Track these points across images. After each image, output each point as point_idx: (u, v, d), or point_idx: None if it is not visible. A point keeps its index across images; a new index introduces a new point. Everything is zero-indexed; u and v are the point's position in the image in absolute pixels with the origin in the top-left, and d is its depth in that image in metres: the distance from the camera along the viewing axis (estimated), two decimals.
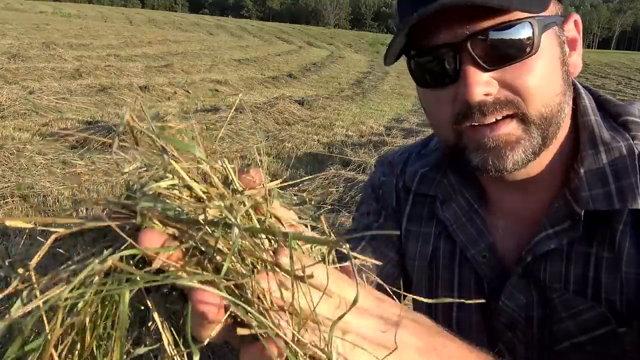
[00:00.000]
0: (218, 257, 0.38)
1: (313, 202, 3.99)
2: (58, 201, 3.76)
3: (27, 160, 4.32)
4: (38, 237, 0.46)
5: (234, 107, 0.57)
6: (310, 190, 4.21)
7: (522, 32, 0.67)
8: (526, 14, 0.67)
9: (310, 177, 4.51)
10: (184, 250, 0.38)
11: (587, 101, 0.79)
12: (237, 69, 15.64)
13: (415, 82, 0.76)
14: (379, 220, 0.97)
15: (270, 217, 0.43)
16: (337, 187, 4.26)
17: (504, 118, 0.70)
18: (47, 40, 15.54)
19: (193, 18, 58.37)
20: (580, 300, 0.77)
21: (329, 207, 3.86)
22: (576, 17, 0.77)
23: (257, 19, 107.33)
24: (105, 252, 0.37)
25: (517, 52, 0.68)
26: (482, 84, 0.68)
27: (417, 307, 0.96)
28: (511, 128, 0.70)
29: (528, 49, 0.68)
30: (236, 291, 0.38)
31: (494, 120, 0.70)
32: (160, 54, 16.96)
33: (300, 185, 4.35)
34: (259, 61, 18.74)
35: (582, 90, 0.81)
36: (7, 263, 0.38)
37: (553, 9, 0.72)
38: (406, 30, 0.68)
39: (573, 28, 0.77)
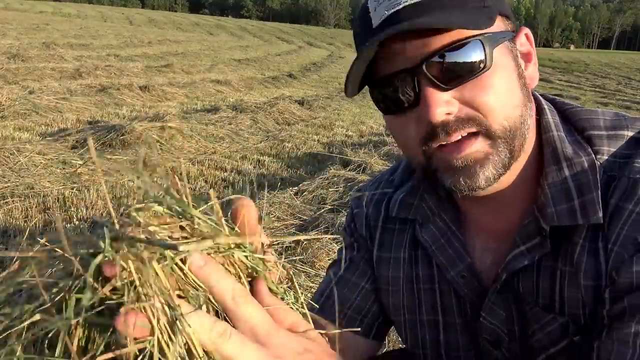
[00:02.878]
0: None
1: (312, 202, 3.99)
2: (58, 201, 3.76)
3: (27, 160, 4.32)
4: (38, 238, 0.47)
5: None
6: (310, 190, 4.21)
7: (474, 49, 0.69)
8: (475, 31, 0.69)
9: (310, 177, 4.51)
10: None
11: (550, 116, 0.80)
12: (237, 69, 15.64)
13: (380, 110, 0.78)
14: (353, 252, 1.00)
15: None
16: (337, 187, 4.26)
17: (469, 136, 0.72)
18: (47, 40, 15.53)
19: (193, 18, 58.37)
20: (543, 313, 0.79)
21: (329, 207, 3.85)
22: (526, 30, 0.79)
23: (257, 19, 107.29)
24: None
25: (472, 69, 0.70)
26: (443, 104, 0.70)
27: (402, 332, 0.97)
28: (478, 145, 0.72)
29: (482, 65, 0.70)
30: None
31: (459, 137, 0.71)
32: (160, 54, 16.96)
33: (301, 185, 4.34)
34: (259, 61, 18.73)
35: (545, 105, 0.82)
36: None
37: (502, 25, 0.74)
38: (362, 59, 0.70)
39: (525, 41, 0.79)
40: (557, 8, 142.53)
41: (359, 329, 0.95)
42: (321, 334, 0.53)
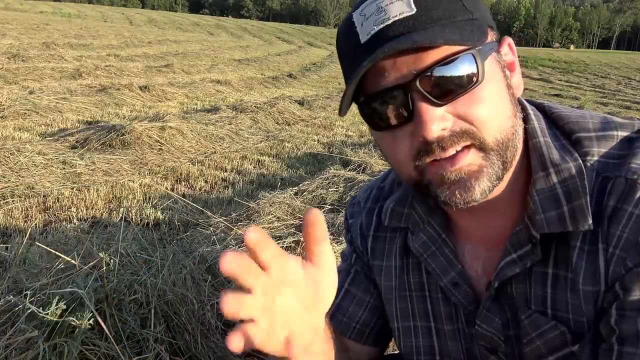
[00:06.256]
0: None
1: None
2: (58, 201, 3.76)
3: (27, 160, 4.32)
4: (36, 239, 0.46)
5: None
6: (310, 190, 4.20)
7: (466, 64, 0.68)
8: (466, 46, 0.68)
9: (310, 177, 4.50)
10: None
11: (536, 122, 0.80)
12: (237, 69, 15.64)
13: (371, 126, 0.76)
14: (352, 262, 1.02)
15: None
16: (337, 187, 4.26)
17: (462, 149, 0.71)
18: (47, 40, 15.54)
19: (193, 18, 58.36)
20: (544, 319, 0.78)
21: (329, 207, 3.85)
22: (509, 40, 0.79)
23: (257, 19, 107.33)
24: None
25: (465, 83, 0.69)
26: (438, 120, 0.68)
27: (396, 339, 0.97)
28: (471, 158, 0.71)
29: (474, 79, 0.69)
30: None
31: (454, 152, 0.70)
32: (160, 54, 16.97)
33: (301, 185, 4.34)
34: (259, 61, 18.74)
35: (530, 111, 0.81)
36: None
37: (489, 37, 0.73)
38: (356, 78, 0.69)
39: (509, 51, 0.79)
40: (557, 8, 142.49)
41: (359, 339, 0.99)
42: None
